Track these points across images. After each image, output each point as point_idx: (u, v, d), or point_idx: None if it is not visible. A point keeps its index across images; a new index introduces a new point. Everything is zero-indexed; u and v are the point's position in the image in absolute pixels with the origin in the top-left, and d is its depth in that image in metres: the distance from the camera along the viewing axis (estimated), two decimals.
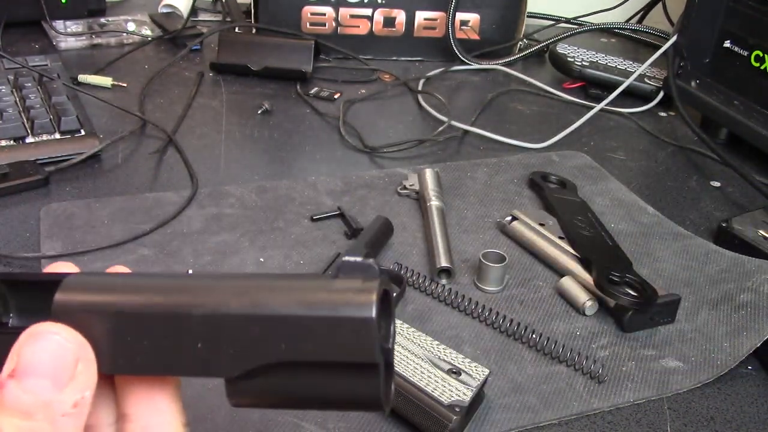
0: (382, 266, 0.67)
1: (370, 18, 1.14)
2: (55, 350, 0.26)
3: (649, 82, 1.07)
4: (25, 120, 0.83)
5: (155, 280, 0.28)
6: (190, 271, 0.64)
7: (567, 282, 0.64)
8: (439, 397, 0.49)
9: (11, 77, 0.92)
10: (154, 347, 0.27)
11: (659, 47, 1.02)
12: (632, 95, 1.06)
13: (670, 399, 0.55)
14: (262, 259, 0.67)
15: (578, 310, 0.63)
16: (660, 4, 1.32)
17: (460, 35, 1.15)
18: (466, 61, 1.14)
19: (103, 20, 1.19)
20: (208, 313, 0.26)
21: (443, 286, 0.64)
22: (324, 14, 1.14)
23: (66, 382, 0.26)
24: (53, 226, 0.70)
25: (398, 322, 0.57)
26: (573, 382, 0.56)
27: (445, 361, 0.52)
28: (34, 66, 0.95)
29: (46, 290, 0.28)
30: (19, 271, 0.28)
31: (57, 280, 0.28)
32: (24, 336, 0.26)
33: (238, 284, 0.27)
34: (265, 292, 0.26)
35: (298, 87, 1.04)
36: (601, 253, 0.66)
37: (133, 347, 0.27)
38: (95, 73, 1.01)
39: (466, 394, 0.49)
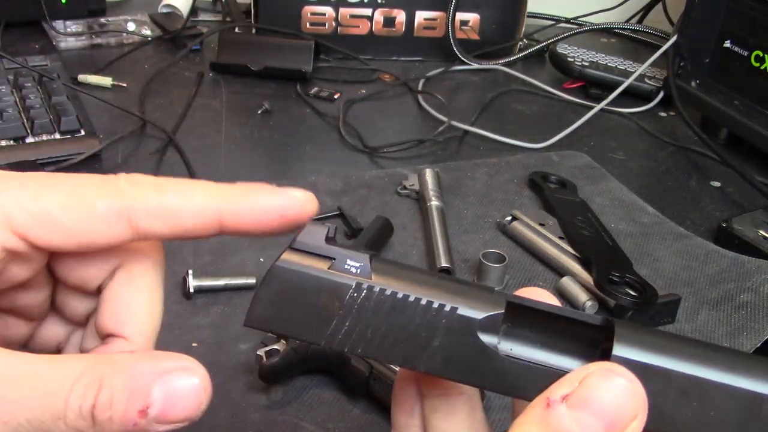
0: None
1: (370, 18, 1.14)
2: (622, 398, 0.24)
3: (649, 82, 1.07)
4: (25, 120, 0.83)
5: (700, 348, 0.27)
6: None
7: (567, 282, 0.64)
8: None
9: (11, 77, 0.92)
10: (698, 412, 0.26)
11: (659, 47, 1.02)
12: (632, 95, 1.06)
13: None
14: (262, 260, 0.67)
15: (578, 310, 0.63)
16: (660, 4, 1.32)
17: (460, 35, 1.15)
18: (466, 61, 1.14)
19: (103, 20, 1.19)
20: None
21: None
22: (324, 14, 1.14)
23: None
24: None
25: None
26: None
27: None
28: (34, 66, 0.95)
29: (576, 329, 0.28)
30: (534, 301, 0.28)
31: (594, 324, 0.27)
32: (596, 367, 0.25)
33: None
34: None
35: (298, 87, 1.04)
36: (601, 253, 0.66)
37: (677, 411, 0.26)
38: (95, 73, 1.01)
39: None
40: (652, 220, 0.77)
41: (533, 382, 0.27)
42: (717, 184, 0.87)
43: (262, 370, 0.52)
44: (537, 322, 0.28)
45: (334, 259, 0.28)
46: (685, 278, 0.68)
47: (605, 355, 0.27)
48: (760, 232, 0.72)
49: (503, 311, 0.27)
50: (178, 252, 0.67)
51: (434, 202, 0.74)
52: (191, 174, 0.79)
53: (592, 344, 0.28)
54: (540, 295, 0.29)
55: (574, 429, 0.24)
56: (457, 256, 0.69)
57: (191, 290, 0.61)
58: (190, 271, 0.62)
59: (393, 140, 0.90)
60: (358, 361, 0.52)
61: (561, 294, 0.65)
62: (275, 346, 0.54)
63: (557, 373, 0.26)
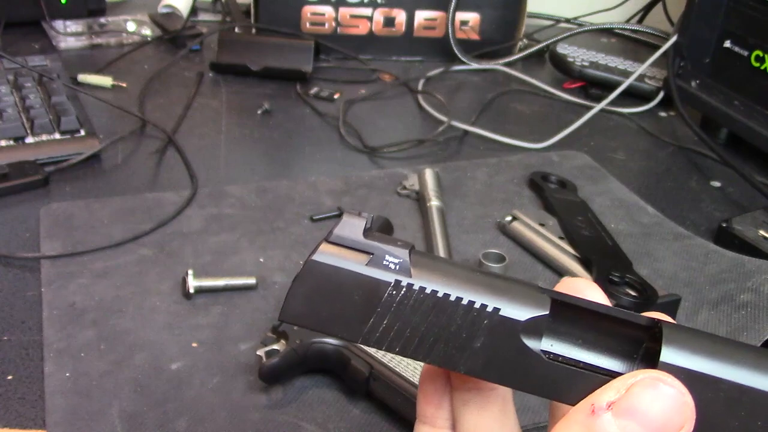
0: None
1: (370, 18, 1.14)
2: (669, 409, 0.24)
3: (649, 82, 1.07)
4: (25, 120, 0.83)
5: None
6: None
7: None
8: None
9: (11, 77, 0.92)
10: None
11: (659, 47, 1.02)
12: (632, 95, 1.06)
13: None
14: (262, 260, 0.67)
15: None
16: (660, 4, 1.32)
17: (460, 35, 1.15)
18: (466, 61, 1.14)
19: (103, 20, 1.19)
20: None
21: None
22: (324, 14, 1.14)
23: None
24: (53, 226, 0.70)
25: None
26: None
27: None
28: (33, 66, 0.95)
29: (623, 328, 0.27)
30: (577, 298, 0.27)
31: (640, 323, 0.26)
32: (644, 375, 0.24)
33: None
34: None
35: (298, 87, 1.04)
36: (601, 253, 0.66)
37: (724, 420, 0.25)
38: (95, 73, 1.01)
39: None
40: (652, 221, 0.77)
41: (576, 387, 0.26)
42: (717, 184, 0.87)
43: (262, 370, 0.52)
44: (580, 320, 0.27)
45: (373, 254, 0.27)
46: (685, 278, 0.68)
47: (648, 355, 0.26)
48: (760, 232, 0.72)
49: (548, 312, 0.26)
50: (178, 252, 0.67)
51: (434, 202, 0.74)
52: (191, 174, 0.79)
53: (636, 344, 0.27)
54: (585, 289, 0.29)
55: None
56: (457, 256, 0.69)
57: (191, 290, 0.61)
58: (190, 271, 0.62)
59: (393, 140, 0.90)
60: (358, 361, 0.52)
61: None
62: (275, 346, 0.54)
63: (601, 379, 0.26)
